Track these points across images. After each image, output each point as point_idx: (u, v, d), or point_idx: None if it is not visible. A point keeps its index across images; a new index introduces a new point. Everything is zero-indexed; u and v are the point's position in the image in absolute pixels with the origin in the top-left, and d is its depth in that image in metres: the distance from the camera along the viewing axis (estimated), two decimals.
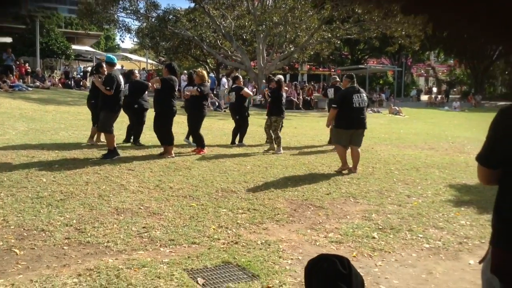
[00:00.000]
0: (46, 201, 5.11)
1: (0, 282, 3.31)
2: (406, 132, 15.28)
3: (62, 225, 4.49)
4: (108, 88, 7.42)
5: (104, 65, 8.60)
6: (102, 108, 7.60)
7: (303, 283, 3.50)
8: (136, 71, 9.86)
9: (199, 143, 8.67)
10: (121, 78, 7.84)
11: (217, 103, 21.02)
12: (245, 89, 10.28)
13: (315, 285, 1.53)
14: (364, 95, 7.76)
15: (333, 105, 7.90)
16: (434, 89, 50.36)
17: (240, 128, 10.23)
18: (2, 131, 9.18)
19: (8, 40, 27.04)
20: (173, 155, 8.03)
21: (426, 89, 49.46)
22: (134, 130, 9.11)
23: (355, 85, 7.81)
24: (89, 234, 4.31)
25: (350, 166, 7.70)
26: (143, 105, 8.95)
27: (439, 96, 39.57)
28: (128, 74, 9.27)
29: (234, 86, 10.48)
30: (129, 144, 9.09)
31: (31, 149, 7.73)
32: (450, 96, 42.68)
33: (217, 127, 13.73)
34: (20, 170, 6.25)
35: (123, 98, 7.94)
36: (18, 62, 22.09)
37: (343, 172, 7.57)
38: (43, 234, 4.25)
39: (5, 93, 16.20)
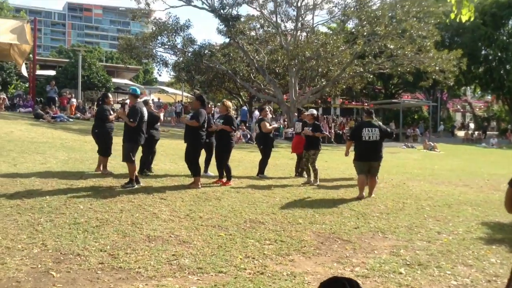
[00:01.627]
0: (82, 227, 5.35)
1: None
2: (440, 168, 15.05)
3: (97, 250, 4.69)
4: (131, 120, 7.70)
5: (110, 96, 9.35)
6: (125, 140, 7.84)
7: None
8: (151, 101, 10.11)
9: (228, 174, 8.81)
10: (145, 110, 8.07)
11: (249, 136, 21.30)
12: (265, 121, 10.22)
13: None
14: (377, 130, 8.19)
15: (348, 138, 8.64)
16: (471, 125, 49.41)
17: (263, 160, 10.26)
18: (44, 159, 9.64)
19: (52, 73, 28.44)
20: (200, 186, 8.21)
21: (459, 125, 48.46)
22: (143, 159, 9.17)
23: (372, 120, 8.40)
24: (121, 260, 4.48)
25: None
26: (154, 136, 9.11)
27: (476, 132, 38.77)
28: (143, 104, 9.46)
29: (259, 117, 10.64)
30: (152, 173, 9.28)
31: (70, 177, 8.08)
32: (487, 132, 41.79)
33: (248, 159, 13.92)
34: (59, 197, 6.55)
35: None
36: (61, 94, 23.12)
37: (361, 199, 8.13)
38: (79, 259, 4.45)
39: (48, 123, 16.99)
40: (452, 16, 5.48)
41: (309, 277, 4.40)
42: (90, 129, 9.39)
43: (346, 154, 8.91)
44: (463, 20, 5.38)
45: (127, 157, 7.76)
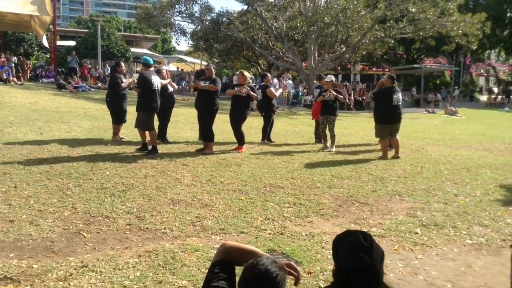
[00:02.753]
0: (109, 192, 5.60)
1: (71, 259, 3.76)
2: (460, 133, 14.93)
3: (124, 213, 4.93)
4: (136, 85, 8.02)
5: (123, 65, 9.72)
6: (138, 108, 8.01)
7: None
8: (164, 70, 10.16)
9: (240, 140, 8.96)
10: (154, 78, 8.15)
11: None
12: (271, 88, 10.23)
13: (340, 255, 1.78)
14: (400, 94, 8.98)
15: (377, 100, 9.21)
16: (495, 89, 48.27)
17: (266, 126, 10.29)
18: (69, 128, 9.92)
19: (72, 43, 28.66)
20: (213, 151, 8.39)
21: (478, 89, 47.03)
22: (159, 127, 9.24)
23: (395, 85, 8.99)
24: (148, 222, 4.72)
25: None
26: (165, 103, 9.00)
27: (500, 97, 37.94)
28: (156, 73, 9.45)
29: (262, 84, 10.65)
30: (166, 143, 9.32)
31: (95, 144, 8.34)
32: (511, 96, 40.82)
33: None
34: (85, 164, 6.81)
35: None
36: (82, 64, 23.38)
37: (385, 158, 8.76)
38: (107, 220, 4.70)
39: (70, 93, 17.30)
40: None
41: (326, 236, 4.57)
42: None
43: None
44: None
45: (145, 125, 7.93)
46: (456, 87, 37.42)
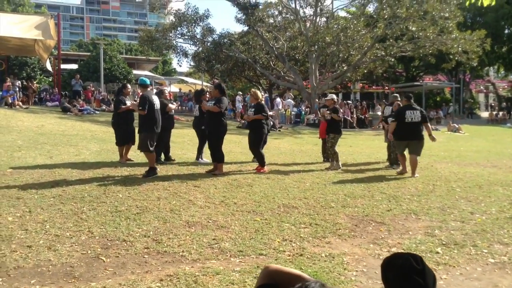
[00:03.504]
0: (124, 215, 5.56)
1: (93, 285, 3.70)
2: (466, 150, 14.94)
3: (141, 236, 4.88)
4: (140, 108, 7.88)
5: (129, 86, 9.75)
6: (140, 130, 7.99)
7: None
8: (167, 91, 10.22)
9: (261, 161, 8.93)
10: (155, 98, 8.21)
11: (271, 123, 21.37)
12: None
13: (392, 279, 1.73)
14: (418, 112, 9.09)
15: (391, 119, 9.64)
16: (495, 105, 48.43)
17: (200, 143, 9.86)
18: (77, 151, 9.91)
19: (74, 66, 28.88)
20: (223, 172, 8.37)
21: (477, 105, 47.15)
22: (159, 148, 9.08)
23: (411, 102, 9.30)
24: (165, 245, 4.67)
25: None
26: (165, 125, 8.90)
27: (501, 113, 38.09)
28: (159, 93, 9.46)
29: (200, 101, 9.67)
30: (161, 163, 9.12)
31: (105, 167, 8.32)
32: None
33: (273, 146, 14.04)
34: (98, 187, 6.78)
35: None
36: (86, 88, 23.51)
37: (403, 175, 9.07)
38: (125, 244, 4.65)
39: (75, 116, 17.36)
40: (472, 0, 5.46)
41: (347, 257, 4.51)
42: None
43: (390, 137, 9.45)
44: (485, 4, 5.34)
45: (145, 147, 7.88)
46: (451, 104, 37.56)
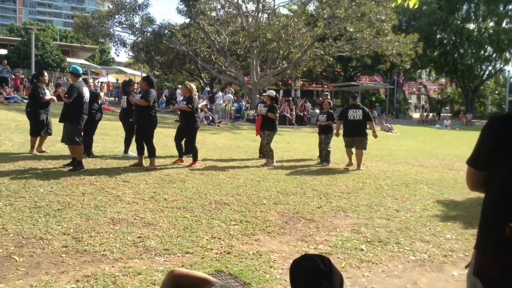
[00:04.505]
0: (43, 211, 5.23)
1: (1, 287, 3.43)
2: (397, 149, 15.53)
3: (60, 234, 4.61)
4: (66, 95, 7.47)
5: (46, 74, 9.28)
6: (66, 120, 7.61)
7: None
8: (91, 80, 9.83)
9: (194, 156, 8.80)
10: (85, 89, 7.81)
11: (210, 117, 21.21)
12: (132, 95, 9.06)
13: (298, 281, 1.69)
14: (361, 111, 9.86)
15: (338, 118, 10.39)
16: (423, 106, 50.89)
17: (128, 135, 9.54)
18: None
19: (3, 52, 27.21)
20: (155, 166, 8.18)
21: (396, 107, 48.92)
22: (85, 142, 8.55)
23: (355, 102, 10.11)
24: (86, 243, 4.43)
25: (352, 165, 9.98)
26: (93, 116, 8.73)
27: (431, 114, 40.07)
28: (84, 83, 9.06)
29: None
30: (92, 157, 8.81)
31: (28, 160, 7.84)
32: (441, 114, 43.26)
33: (210, 141, 13.90)
34: (17, 181, 6.36)
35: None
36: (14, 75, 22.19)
37: (349, 168, 9.84)
38: (42, 242, 4.37)
39: (1, 104, 16.32)
40: (399, 1, 5.71)
41: (274, 255, 4.50)
42: None
43: (337, 134, 10.27)
44: (410, 6, 5.60)
45: (71, 139, 7.51)
46: (377, 104, 38.96)
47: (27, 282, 3.53)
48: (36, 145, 8.80)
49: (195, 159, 8.80)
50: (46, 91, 8.89)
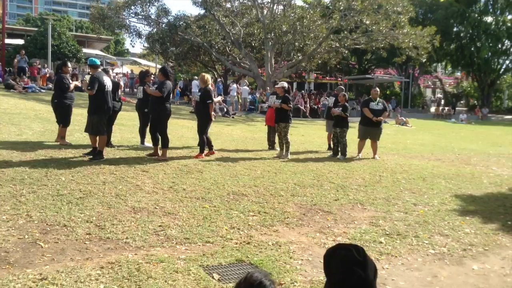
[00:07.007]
0: (66, 199, 5.33)
1: (29, 271, 3.52)
2: (412, 143, 15.43)
3: (83, 221, 4.70)
4: (89, 88, 7.58)
5: (69, 64, 9.37)
6: (91, 112, 7.72)
7: (314, 281, 3.68)
8: (111, 70, 9.83)
9: (202, 147, 8.81)
10: (106, 79, 7.86)
11: (225, 109, 21.25)
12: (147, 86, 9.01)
13: (333, 270, 1.72)
14: (380, 103, 10.40)
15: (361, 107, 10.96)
16: (442, 101, 50.34)
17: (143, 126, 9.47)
18: (19, 131, 9.43)
19: (20, 42, 27.46)
20: (167, 157, 8.17)
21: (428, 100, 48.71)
22: (110, 130, 8.86)
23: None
24: (108, 231, 4.51)
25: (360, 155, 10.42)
26: (114, 106, 8.66)
27: (446, 108, 39.63)
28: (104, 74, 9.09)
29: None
30: (112, 147, 8.88)
31: (48, 148, 7.96)
32: (457, 108, 42.78)
33: (226, 132, 13.95)
34: (39, 169, 6.47)
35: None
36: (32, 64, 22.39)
37: (357, 158, 10.20)
38: (65, 229, 4.46)
39: (19, 94, 16.52)
40: None
41: (293, 246, 4.54)
42: None
43: (373, 118, 10.22)
44: None
45: (96, 129, 7.62)
46: (393, 97, 38.59)
47: (54, 268, 3.62)
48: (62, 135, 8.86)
49: (202, 150, 8.80)
50: (70, 80, 9.00)
